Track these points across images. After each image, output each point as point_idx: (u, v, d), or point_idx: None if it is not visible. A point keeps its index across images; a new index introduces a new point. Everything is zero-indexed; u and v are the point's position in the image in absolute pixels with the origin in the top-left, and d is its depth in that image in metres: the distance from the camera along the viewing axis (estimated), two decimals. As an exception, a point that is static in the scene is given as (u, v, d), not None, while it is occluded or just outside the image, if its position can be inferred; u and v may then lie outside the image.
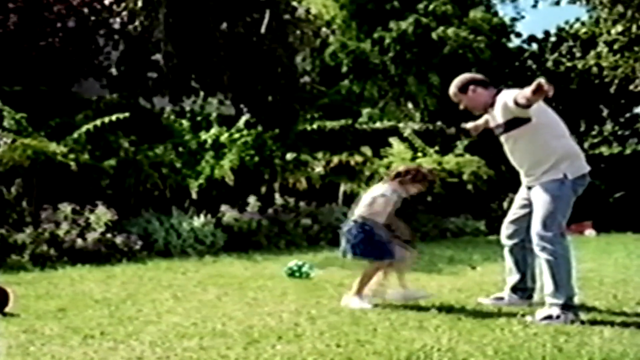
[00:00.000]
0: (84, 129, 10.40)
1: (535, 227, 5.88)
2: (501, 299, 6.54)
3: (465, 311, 6.08)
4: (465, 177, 14.26)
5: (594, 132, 20.60)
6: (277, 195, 12.07)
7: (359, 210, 6.54)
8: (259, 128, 12.20)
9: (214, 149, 11.78)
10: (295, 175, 12.24)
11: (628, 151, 18.79)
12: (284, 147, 12.49)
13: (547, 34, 22.09)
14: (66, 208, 9.74)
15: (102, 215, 9.74)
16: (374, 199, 6.54)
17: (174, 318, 5.71)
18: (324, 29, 17.99)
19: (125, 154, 10.73)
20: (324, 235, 11.81)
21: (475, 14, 18.93)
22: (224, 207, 11.12)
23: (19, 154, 9.68)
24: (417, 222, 13.46)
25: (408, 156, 14.07)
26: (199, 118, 12.56)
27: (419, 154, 14.45)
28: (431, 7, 18.32)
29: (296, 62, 15.37)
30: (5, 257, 8.64)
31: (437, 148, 14.92)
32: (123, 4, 13.24)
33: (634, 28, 17.33)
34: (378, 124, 16.47)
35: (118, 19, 13.40)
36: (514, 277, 6.53)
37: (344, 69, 18.67)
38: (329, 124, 14.77)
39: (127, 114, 10.57)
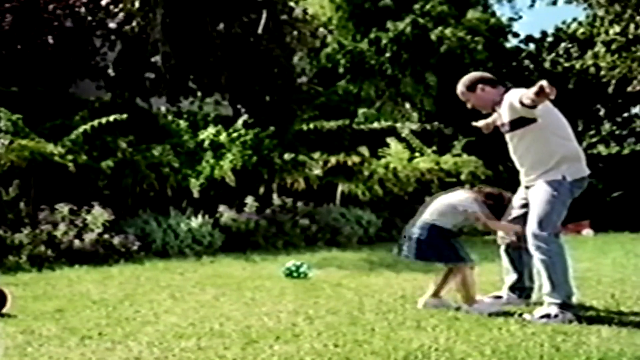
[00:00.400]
0: (81, 129, 10.39)
1: (531, 226, 5.88)
2: (499, 297, 6.54)
3: (462, 311, 6.07)
4: (463, 177, 14.26)
5: (591, 132, 20.62)
6: (274, 196, 12.08)
7: (432, 214, 6.35)
8: (257, 129, 12.18)
9: (212, 149, 11.78)
10: (293, 175, 12.26)
11: (626, 151, 18.81)
12: (281, 147, 12.48)
13: (544, 34, 22.11)
14: (63, 209, 9.73)
15: (99, 215, 9.74)
16: (454, 207, 6.38)
17: (171, 318, 5.70)
18: (321, 29, 17.99)
19: (123, 154, 10.72)
20: (321, 236, 11.82)
21: (473, 14, 18.96)
22: (221, 208, 11.12)
23: (16, 155, 9.67)
24: (415, 221, 13.47)
25: (406, 156, 14.08)
26: (196, 118, 12.55)
27: (417, 154, 14.46)
28: (427, 7, 18.33)
29: (293, 62, 15.38)
30: (3, 258, 8.64)
31: (434, 148, 14.93)
32: (120, 5, 13.22)
33: (631, 28, 17.35)
34: (376, 124, 16.50)
35: (115, 20, 13.38)
36: (511, 277, 6.54)
37: (341, 69, 18.69)
38: (327, 125, 14.78)
39: (124, 116, 10.57)
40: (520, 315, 5.80)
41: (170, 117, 12.35)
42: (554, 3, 20.12)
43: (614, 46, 18.19)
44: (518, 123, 5.99)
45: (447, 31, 17.81)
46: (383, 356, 4.58)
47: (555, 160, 5.93)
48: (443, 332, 5.22)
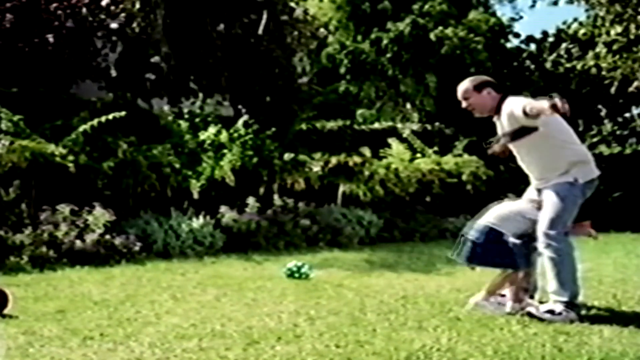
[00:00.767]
0: (81, 129, 10.39)
1: (542, 225, 5.91)
2: (503, 296, 6.52)
3: (464, 311, 6.07)
4: (464, 177, 14.25)
5: (593, 132, 20.61)
6: (275, 196, 12.06)
7: (494, 219, 6.31)
8: (255, 127, 12.16)
9: (213, 149, 11.77)
10: (293, 175, 12.23)
11: (628, 151, 18.79)
12: (282, 147, 12.47)
13: (545, 34, 22.09)
14: (65, 209, 9.72)
15: (100, 216, 9.73)
16: (522, 214, 6.35)
17: (173, 319, 5.71)
18: (321, 30, 17.99)
19: (124, 155, 10.70)
20: (322, 236, 11.79)
21: (473, 14, 18.94)
22: (223, 208, 11.11)
23: (17, 156, 9.66)
24: (416, 222, 13.48)
25: (407, 157, 14.06)
26: (197, 120, 12.54)
27: (418, 155, 14.44)
28: (426, 7, 18.32)
29: (294, 62, 15.38)
30: (4, 259, 8.63)
31: (436, 148, 14.91)
32: (121, 6, 13.23)
33: (632, 28, 17.33)
34: (377, 125, 16.47)
35: (116, 21, 13.38)
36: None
37: (342, 69, 18.68)
38: (328, 125, 14.77)
39: (123, 113, 10.56)
40: (523, 309, 5.82)
41: (170, 118, 12.33)
42: (555, 3, 20.11)
43: (615, 47, 18.17)
44: (519, 133, 6.01)
45: (448, 31, 17.80)
46: (385, 357, 4.59)
47: (565, 165, 5.97)
48: (445, 333, 5.23)
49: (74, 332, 5.18)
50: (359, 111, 18.50)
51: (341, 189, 13.09)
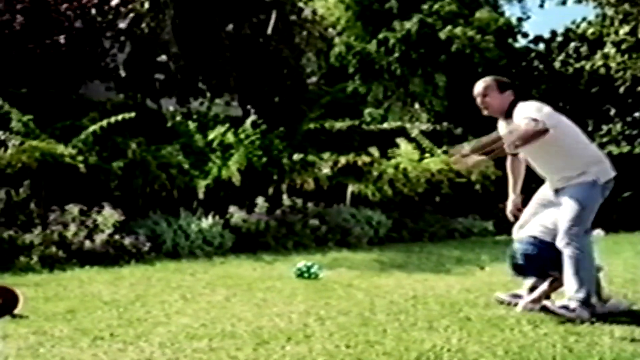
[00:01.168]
0: (90, 129, 10.41)
1: (563, 224, 5.89)
2: (519, 296, 6.50)
3: (474, 312, 6.06)
4: (473, 177, 14.22)
5: (602, 132, 20.54)
6: (284, 196, 12.05)
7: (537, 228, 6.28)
8: (264, 127, 12.16)
9: (221, 149, 11.78)
10: (302, 176, 12.23)
11: (637, 150, 18.74)
12: (291, 148, 12.47)
13: (553, 34, 22.03)
14: (74, 209, 9.74)
15: (109, 216, 9.74)
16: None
17: (183, 319, 5.71)
18: (330, 30, 17.99)
19: (133, 155, 10.72)
20: (332, 236, 11.79)
21: (482, 14, 18.90)
22: (232, 208, 11.11)
23: (27, 156, 9.70)
24: (425, 222, 13.46)
25: (415, 157, 14.04)
26: (205, 120, 12.55)
27: (427, 155, 14.42)
28: (435, 6, 18.30)
29: (302, 63, 15.38)
30: (14, 259, 8.65)
31: (444, 148, 14.88)
32: (130, 6, 13.25)
33: (640, 28, 17.31)
34: (385, 125, 16.45)
35: (126, 21, 13.39)
36: (531, 277, 6.50)
37: (351, 69, 18.67)
38: (336, 125, 14.76)
39: (132, 114, 10.59)
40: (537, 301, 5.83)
41: (179, 118, 12.34)
42: (564, 3, 20.10)
43: (623, 46, 18.13)
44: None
45: (457, 30, 17.77)
46: (395, 357, 4.58)
47: (582, 166, 5.96)
48: (455, 333, 5.22)
49: (84, 332, 5.19)
50: (367, 110, 18.47)
51: (350, 189, 13.08)
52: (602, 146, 19.43)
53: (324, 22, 16.48)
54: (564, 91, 19.22)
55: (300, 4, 14.61)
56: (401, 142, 14.29)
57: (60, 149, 9.93)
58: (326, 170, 12.50)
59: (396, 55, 18.28)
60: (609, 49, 18.52)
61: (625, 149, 18.95)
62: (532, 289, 6.48)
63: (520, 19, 21.53)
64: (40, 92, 11.34)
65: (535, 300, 6.15)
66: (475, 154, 6.41)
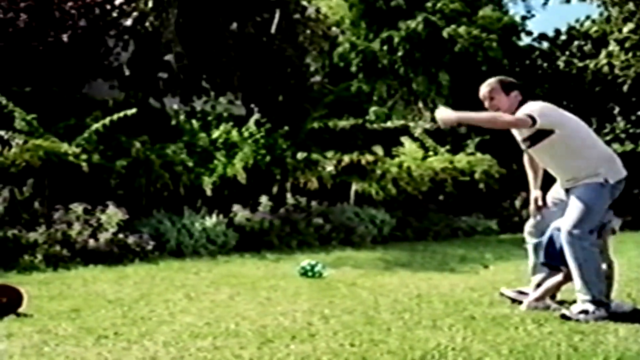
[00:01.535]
0: (94, 128, 10.42)
1: (567, 224, 5.85)
2: (525, 294, 6.49)
3: (479, 310, 6.06)
4: (476, 176, 14.24)
5: (606, 130, 20.51)
6: (288, 195, 12.06)
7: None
8: (268, 125, 12.16)
9: (225, 147, 11.79)
10: (306, 174, 12.23)
11: (641, 148, 18.70)
12: (294, 146, 12.47)
13: (557, 32, 22.01)
14: (78, 208, 9.75)
15: (113, 215, 9.75)
16: None
17: (187, 318, 5.71)
18: (333, 29, 17.97)
19: (137, 154, 10.73)
20: (335, 235, 11.79)
21: (485, 12, 18.89)
22: (236, 207, 11.11)
23: (30, 155, 9.71)
24: (428, 221, 13.46)
25: (419, 155, 14.06)
26: (209, 118, 12.56)
27: (430, 153, 14.43)
28: (439, 5, 18.29)
29: (306, 61, 15.36)
30: (18, 258, 8.66)
31: (448, 147, 14.90)
32: (133, 5, 13.24)
33: (645, 26, 17.29)
34: (389, 124, 16.46)
35: (129, 19, 13.39)
36: (540, 275, 6.49)
37: (354, 68, 18.67)
38: (340, 124, 14.76)
39: (134, 110, 10.60)
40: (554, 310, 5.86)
41: (183, 117, 12.34)
42: (568, 1, 20.10)
43: (627, 44, 18.11)
44: (538, 137, 5.96)
45: (461, 29, 17.76)
46: (399, 356, 4.57)
47: (591, 167, 5.92)
48: (459, 332, 5.21)
49: (88, 331, 5.19)
50: (372, 108, 18.48)
51: (354, 187, 13.09)
52: (606, 144, 19.43)
53: (328, 21, 16.46)
54: (568, 90, 19.20)
55: (304, 3, 14.59)
56: (405, 140, 14.31)
57: (64, 147, 9.94)
58: (330, 169, 12.51)
59: (400, 54, 18.28)
60: (613, 47, 18.50)
61: (629, 147, 18.92)
62: (539, 286, 6.48)
63: (524, 17, 21.53)
64: (43, 90, 11.35)
65: (539, 298, 6.15)
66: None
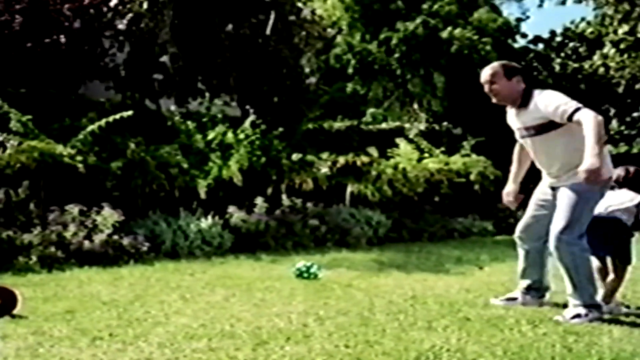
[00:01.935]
0: (89, 129, 10.42)
1: (557, 227, 5.80)
2: (514, 299, 6.50)
3: (473, 311, 6.06)
4: (472, 177, 14.26)
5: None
6: (284, 196, 12.05)
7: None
8: (263, 126, 12.16)
9: (221, 149, 11.79)
10: (301, 176, 12.23)
11: (635, 150, 18.77)
12: (290, 148, 12.48)
13: (552, 34, 22.06)
14: (73, 210, 9.74)
15: (108, 216, 9.73)
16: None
17: (182, 319, 5.71)
18: (329, 30, 17.99)
19: (132, 155, 10.72)
20: (331, 236, 11.79)
21: (481, 14, 18.93)
22: (231, 209, 11.11)
23: (25, 156, 9.69)
24: (424, 222, 13.47)
25: (415, 157, 14.07)
26: (205, 119, 12.56)
27: (426, 155, 14.45)
28: (435, 7, 18.32)
29: (302, 63, 15.38)
30: (13, 259, 8.63)
31: (443, 148, 14.92)
32: (128, 6, 13.24)
33: (639, 27, 17.32)
34: (384, 125, 16.48)
35: (124, 21, 13.39)
36: (530, 278, 6.48)
37: (350, 70, 18.69)
38: (335, 125, 14.78)
39: (130, 112, 10.60)
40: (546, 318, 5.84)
41: (178, 118, 12.34)
42: (563, 3, 20.13)
43: (622, 46, 18.16)
44: (546, 127, 5.89)
45: (457, 32, 17.80)
46: (394, 357, 4.58)
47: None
48: (454, 333, 5.22)
49: (83, 332, 5.18)
50: (369, 110, 18.51)
51: (349, 189, 13.09)
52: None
53: (323, 22, 16.47)
54: (563, 91, 19.13)
55: (299, 4, 14.60)
56: (400, 142, 14.32)
57: (59, 149, 9.93)
58: (325, 170, 12.51)
59: (397, 55, 18.31)
60: (608, 49, 18.55)
61: (623, 148, 18.98)
62: (528, 289, 6.48)
63: (519, 19, 21.57)
64: (39, 92, 11.34)
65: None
66: None
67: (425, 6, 18.48)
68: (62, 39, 12.32)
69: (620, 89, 18.06)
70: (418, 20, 17.98)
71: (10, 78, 11.62)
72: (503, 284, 7.21)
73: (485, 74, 6.18)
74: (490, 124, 6.65)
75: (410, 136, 14.78)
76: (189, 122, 12.19)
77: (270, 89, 14.03)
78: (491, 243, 12.66)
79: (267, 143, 12.16)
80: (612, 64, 18.27)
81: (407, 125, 16.17)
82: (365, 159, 13.15)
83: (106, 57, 13.41)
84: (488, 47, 17.88)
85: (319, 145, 13.42)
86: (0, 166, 9.64)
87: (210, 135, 12.02)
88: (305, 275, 8.09)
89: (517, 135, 6.28)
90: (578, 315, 5.68)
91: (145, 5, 13.04)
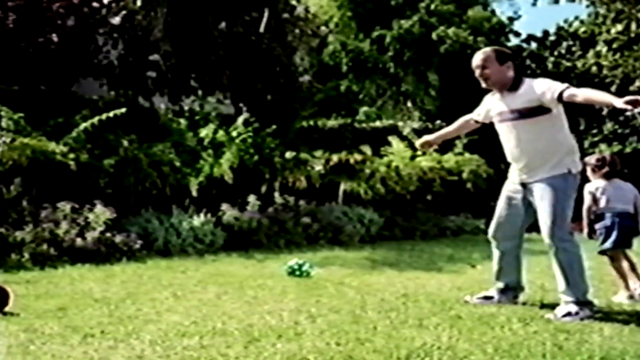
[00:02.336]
0: (82, 127, 10.41)
1: (546, 226, 5.85)
2: (490, 298, 6.51)
3: (465, 309, 6.08)
4: (464, 175, 14.26)
5: (594, 131, 20.58)
6: (277, 194, 12.05)
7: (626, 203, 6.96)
8: (256, 124, 12.15)
9: (213, 147, 11.78)
10: (295, 174, 12.23)
11: (628, 150, 18.78)
12: (283, 146, 12.48)
13: (546, 33, 22.07)
14: (65, 207, 9.72)
15: (101, 214, 9.72)
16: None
17: (174, 317, 5.71)
18: (322, 28, 17.98)
19: (125, 153, 10.72)
20: (323, 234, 11.80)
21: (475, 13, 18.95)
22: (224, 206, 11.10)
23: (18, 154, 9.68)
24: (416, 220, 13.48)
25: (408, 155, 14.07)
26: (197, 117, 12.55)
27: (419, 153, 14.44)
28: (432, 6, 18.35)
29: (295, 61, 15.37)
30: (5, 257, 8.63)
31: (436, 147, 14.91)
32: (122, 3, 13.22)
33: (633, 26, 17.34)
34: (377, 123, 16.48)
35: (118, 18, 13.36)
36: (506, 279, 6.50)
37: (344, 68, 18.70)
38: (329, 123, 14.78)
39: (123, 110, 10.60)
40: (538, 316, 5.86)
41: (171, 116, 12.33)
42: (556, 1, 20.11)
43: (615, 45, 18.17)
44: (534, 111, 5.92)
45: (450, 31, 17.81)
46: (385, 355, 4.59)
47: (561, 153, 5.91)
48: (445, 331, 5.23)
49: (75, 330, 5.19)
50: (363, 108, 18.53)
51: (342, 187, 13.09)
52: (593, 145, 19.53)
53: (317, 20, 16.46)
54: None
55: (293, 2, 14.59)
56: (393, 140, 14.32)
57: (52, 146, 9.92)
58: (318, 168, 12.51)
59: (390, 54, 18.32)
60: (601, 48, 18.56)
61: (617, 148, 18.99)
62: (504, 289, 6.49)
63: (511, 19, 21.59)
64: (32, 89, 11.32)
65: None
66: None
67: (422, 4, 18.49)
68: (55, 36, 12.28)
69: (614, 88, 18.05)
70: (415, 18, 17.99)
71: (3, 75, 11.60)
72: (495, 282, 7.22)
73: (477, 58, 6.21)
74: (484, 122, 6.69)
75: (404, 134, 14.78)
76: (181, 120, 12.19)
77: (264, 86, 14.01)
78: (483, 241, 12.52)
79: (260, 141, 12.16)
80: (605, 63, 18.27)
81: (400, 124, 16.16)
82: (358, 157, 13.16)
83: (100, 54, 13.38)
84: (482, 46, 17.90)
85: (313, 143, 13.42)
86: (-8, 163, 9.63)
87: (203, 133, 12.02)
88: (298, 273, 8.10)
89: (496, 120, 6.26)
90: (569, 314, 5.71)
91: (138, 3, 13.01)
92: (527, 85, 6.01)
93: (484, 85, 6.25)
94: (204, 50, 13.19)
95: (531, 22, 46.81)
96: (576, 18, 21.52)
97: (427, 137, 7.25)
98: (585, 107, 19.79)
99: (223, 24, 13.49)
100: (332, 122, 14.92)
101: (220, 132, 11.95)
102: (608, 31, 18.35)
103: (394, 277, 8.23)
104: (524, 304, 6.38)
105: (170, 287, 7.26)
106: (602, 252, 7.04)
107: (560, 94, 5.70)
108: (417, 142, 7.26)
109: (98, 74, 13.36)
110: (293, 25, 14.45)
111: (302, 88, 15.47)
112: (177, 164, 11.07)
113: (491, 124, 6.46)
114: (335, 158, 12.92)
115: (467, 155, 14.73)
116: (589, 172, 6.92)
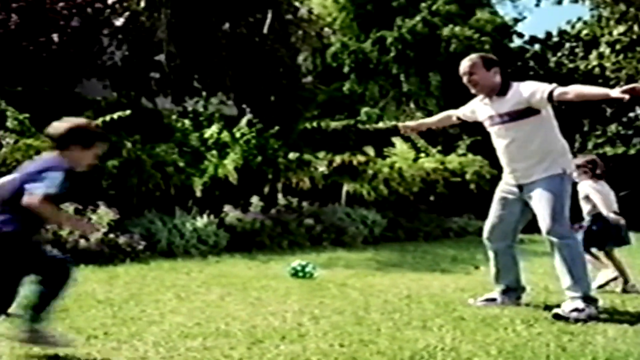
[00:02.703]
0: (85, 128, 10.40)
1: (546, 225, 5.86)
2: (493, 300, 6.50)
3: (468, 311, 6.07)
4: (467, 176, 14.27)
5: (597, 132, 20.57)
6: (280, 195, 12.06)
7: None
8: (259, 125, 12.16)
9: (216, 148, 11.79)
10: (298, 175, 12.24)
11: (632, 151, 18.78)
12: (286, 147, 12.48)
13: (548, 34, 22.07)
14: (69, 208, 9.71)
15: (104, 215, 9.73)
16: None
17: (177, 318, 5.70)
18: (326, 29, 18.00)
19: (128, 154, 10.72)
20: (326, 235, 11.80)
21: (481, 14, 18.94)
22: (227, 207, 11.11)
23: (21, 154, 9.68)
24: (419, 221, 13.48)
25: (411, 156, 14.08)
26: (201, 118, 12.56)
27: (422, 154, 14.45)
28: (435, 7, 18.33)
29: (298, 62, 15.38)
30: (9, 258, 8.62)
31: (439, 148, 14.92)
32: (125, 4, 13.24)
33: (635, 28, 17.34)
34: (381, 124, 16.47)
35: (121, 19, 13.38)
36: (505, 280, 6.49)
37: (346, 69, 18.69)
38: (332, 124, 14.78)
39: (128, 112, 10.60)
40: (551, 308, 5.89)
41: (174, 117, 12.34)
42: (559, 2, 20.12)
43: (618, 46, 18.17)
44: (523, 113, 5.96)
45: (457, 29, 17.81)
46: (389, 356, 4.58)
47: (554, 154, 5.96)
48: (449, 332, 5.22)
49: (78, 331, 5.18)
50: (364, 109, 18.51)
51: (345, 188, 13.10)
52: (597, 147, 19.52)
53: (320, 22, 16.48)
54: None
55: (296, 4, 14.61)
56: (396, 141, 14.32)
57: (55, 147, 9.91)
58: (322, 169, 12.52)
59: (392, 54, 18.31)
60: (604, 49, 18.56)
61: (621, 149, 18.99)
62: (506, 290, 6.48)
63: (516, 20, 21.59)
64: (36, 90, 11.32)
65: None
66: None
67: (424, 5, 18.48)
68: (58, 37, 12.29)
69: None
70: (418, 18, 17.98)
71: (7, 77, 11.61)
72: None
73: (464, 65, 6.26)
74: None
75: (407, 135, 14.77)
76: (185, 121, 12.19)
77: (267, 88, 14.04)
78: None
79: (264, 142, 12.17)
80: (607, 65, 18.28)
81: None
82: (361, 158, 13.17)
83: (104, 55, 13.40)
84: (487, 47, 17.89)
85: (316, 144, 13.43)
86: (-4, 164, 9.63)
87: (207, 133, 12.02)
88: (301, 274, 8.09)
89: (487, 124, 6.29)
90: (577, 309, 5.69)
91: (142, 4, 13.03)
92: (515, 89, 6.06)
93: (473, 90, 6.33)
94: (207, 51, 13.21)
95: (534, 23, 46.85)
96: (579, 19, 21.54)
97: (409, 123, 7.51)
98: (589, 108, 19.90)
99: (226, 25, 13.54)
100: (335, 123, 14.91)
101: (225, 133, 11.95)
102: (611, 33, 18.35)
103: (397, 278, 8.22)
104: (527, 305, 6.36)
105: (174, 289, 7.26)
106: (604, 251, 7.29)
107: (550, 94, 5.72)
108: (400, 125, 7.32)
109: (102, 74, 13.37)
110: (296, 27, 14.49)
111: (305, 89, 15.50)
112: (181, 164, 11.07)
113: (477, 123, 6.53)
114: (338, 159, 12.94)
115: (470, 156, 14.73)
116: (576, 174, 6.89)
